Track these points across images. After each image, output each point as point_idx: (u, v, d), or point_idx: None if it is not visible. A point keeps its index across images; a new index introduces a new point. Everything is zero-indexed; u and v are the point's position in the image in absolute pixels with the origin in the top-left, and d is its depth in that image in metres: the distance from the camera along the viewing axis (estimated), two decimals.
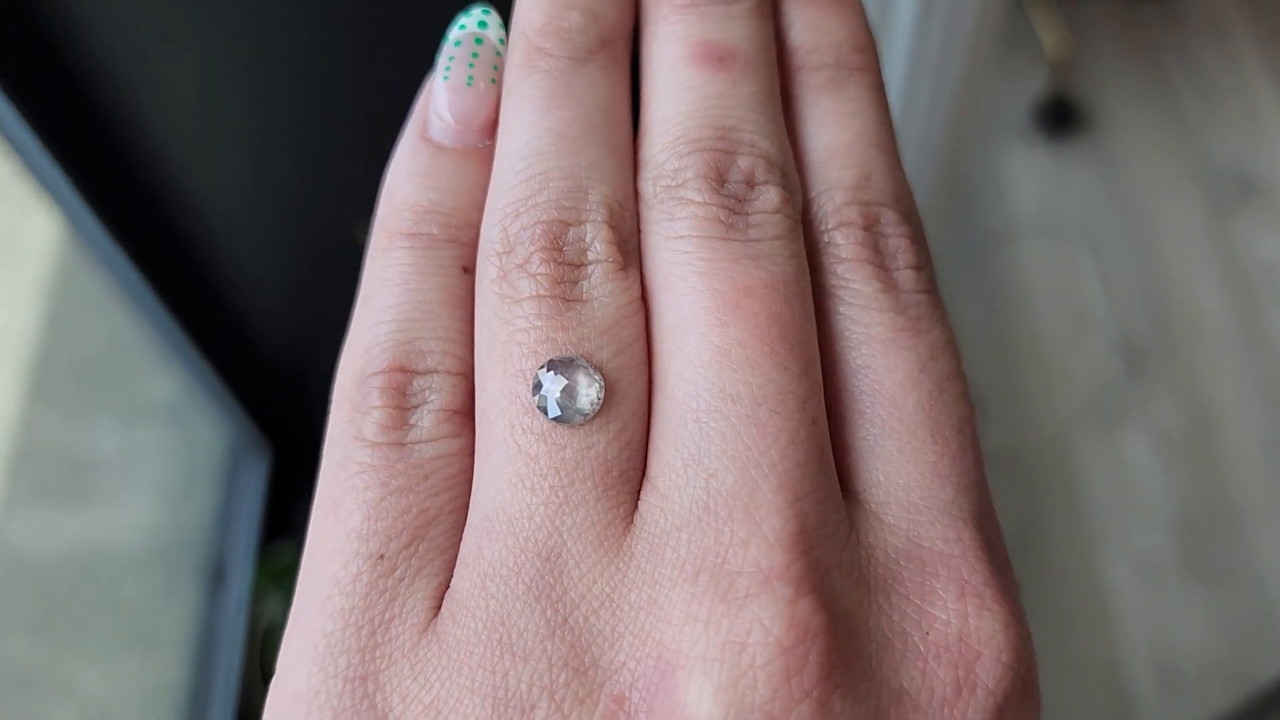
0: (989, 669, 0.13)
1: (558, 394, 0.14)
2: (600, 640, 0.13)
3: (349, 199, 0.67)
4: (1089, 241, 1.32)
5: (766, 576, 0.13)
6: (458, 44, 0.18)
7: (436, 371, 0.15)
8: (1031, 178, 1.38)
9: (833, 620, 0.13)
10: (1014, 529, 1.11)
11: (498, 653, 0.13)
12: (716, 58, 0.17)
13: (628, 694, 0.13)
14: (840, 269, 0.16)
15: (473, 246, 0.16)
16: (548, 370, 0.14)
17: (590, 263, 0.15)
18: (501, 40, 0.18)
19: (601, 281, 0.15)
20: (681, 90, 0.17)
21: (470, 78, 0.17)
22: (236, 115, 0.64)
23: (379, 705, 0.13)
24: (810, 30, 0.18)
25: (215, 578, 0.92)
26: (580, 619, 0.13)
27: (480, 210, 0.17)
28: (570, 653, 0.13)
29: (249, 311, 0.81)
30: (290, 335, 0.86)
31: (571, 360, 0.14)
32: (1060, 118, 1.41)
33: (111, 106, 0.59)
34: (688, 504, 0.13)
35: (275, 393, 0.91)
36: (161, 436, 0.92)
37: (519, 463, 0.14)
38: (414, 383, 0.15)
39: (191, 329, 0.76)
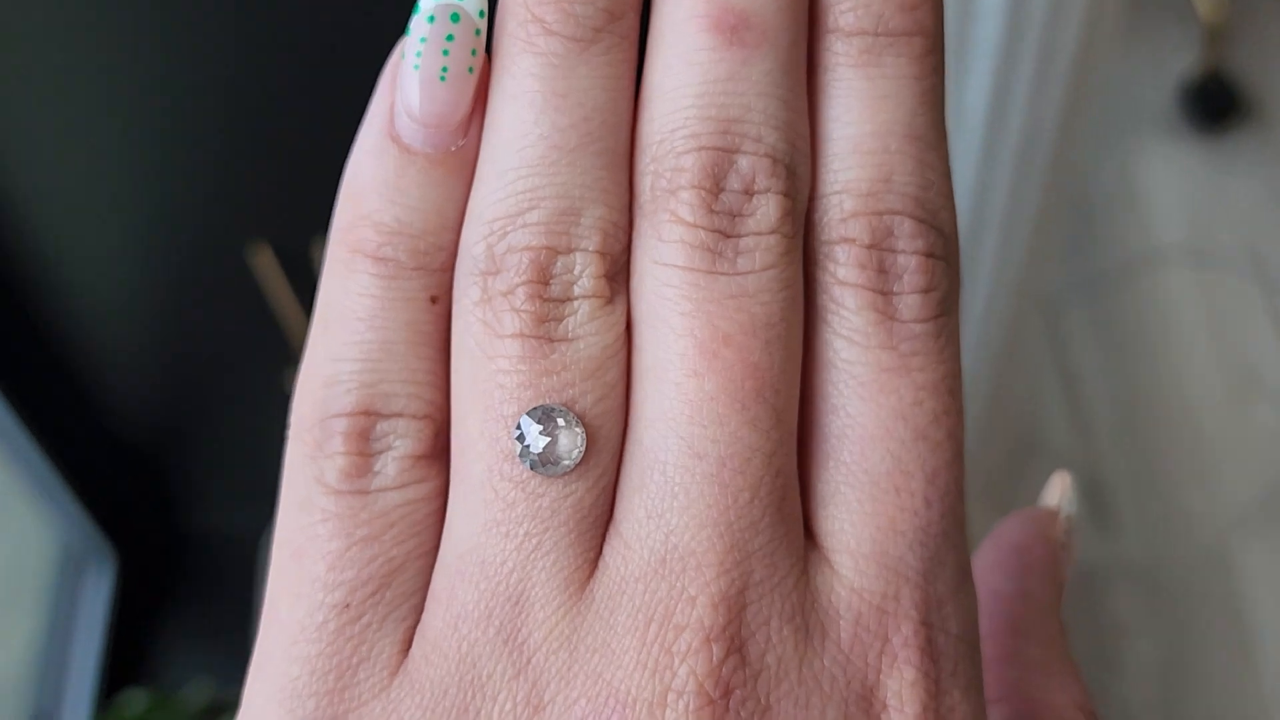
0: None
1: (539, 448, 0.17)
2: (557, 679, 0.16)
3: (217, 262, 0.72)
4: (1256, 271, 1.25)
5: (706, 636, 0.16)
6: (430, 19, 0.18)
7: (402, 415, 0.18)
8: (1180, 186, 1.31)
9: (755, 675, 0.17)
10: (1161, 661, 1.07)
11: (469, 693, 0.17)
12: (730, 28, 0.18)
13: None
14: (835, 291, 0.18)
15: (443, 271, 0.18)
16: (530, 421, 0.17)
17: (577, 297, 0.17)
18: (482, 14, 0.19)
19: (587, 319, 0.17)
20: (688, 64, 0.18)
21: (444, 69, 0.18)
22: (79, 167, 0.65)
23: None
24: None
25: None
26: (541, 659, 0.17)
27: (451, 229, 0.18)
28: (532, 691, 0.17)
29: (93, 385, 0.79)
30: (145, 416, 0.83)
31: (554, 412, 0.17)
32: (1217, 102, 1.31)
33: None
34: (646, 555, 0.17)
35: (123, 485, 0.87)
36: None
37: (495, 508, 0.17)
38: (378, 426, 0.18)
39: (18, 404, 0.73)
